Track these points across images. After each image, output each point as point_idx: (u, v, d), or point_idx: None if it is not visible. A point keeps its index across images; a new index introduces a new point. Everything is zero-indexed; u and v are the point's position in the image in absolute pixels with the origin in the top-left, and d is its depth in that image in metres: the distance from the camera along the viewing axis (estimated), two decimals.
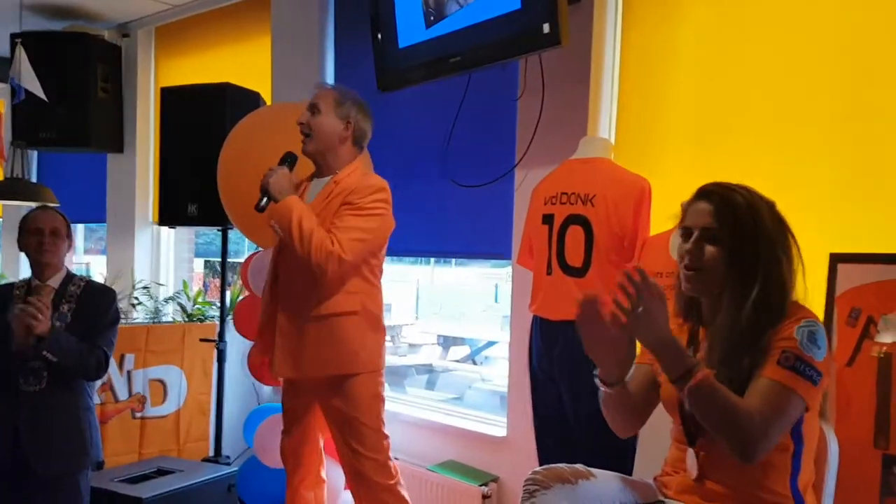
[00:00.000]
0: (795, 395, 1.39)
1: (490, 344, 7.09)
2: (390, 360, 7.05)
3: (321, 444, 2.54)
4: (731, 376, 1.43)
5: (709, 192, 1.53)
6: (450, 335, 7.42)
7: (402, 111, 3.22)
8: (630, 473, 1.97)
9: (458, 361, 7.20)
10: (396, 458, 3.15)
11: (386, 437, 2.37)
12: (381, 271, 2.38)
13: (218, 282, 3.96)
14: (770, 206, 1.53)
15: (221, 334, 3.34)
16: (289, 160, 2.30)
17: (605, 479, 1.54)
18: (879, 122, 2.01)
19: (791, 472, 1.48)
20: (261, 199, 2.21)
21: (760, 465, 1.46)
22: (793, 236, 1.52)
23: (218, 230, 3.34)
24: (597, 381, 1.57)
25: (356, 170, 2.31)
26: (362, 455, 2.31)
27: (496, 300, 8.02)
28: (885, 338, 1.84)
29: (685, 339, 1.61)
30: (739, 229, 1.47)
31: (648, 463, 1.73)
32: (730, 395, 1.39)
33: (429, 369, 6.67)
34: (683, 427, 1.56)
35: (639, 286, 1.36)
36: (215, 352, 3.34)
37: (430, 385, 6.24)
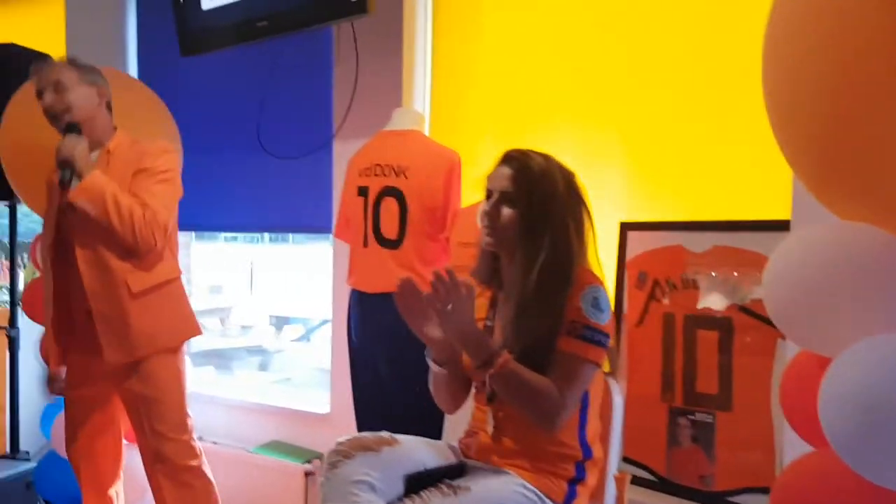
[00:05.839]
0: (587, 361, 1.50)
1: (325, 322, 6.99)
2: (220, 343, 6.77)
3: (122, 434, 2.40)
4: (525, 331, 1.52)
5: (510, 158, 1.60)
6: (283, 315, 7.24)
7: (209, 77, 3.06)
8: (440, 439, 2.02)
9: (293, 341, 7.04)
10: (215, 443, 3.05)
11: (189, 416, 2.30)
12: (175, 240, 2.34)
13: (7, 263, 3.61)
14: (567, 175, 1.61)
15: (13, 320, 3.06)
16: (77, 129, 2.09)
17: (409, 444, 1.57)
18: (664, 108, 2.14)
19: (579, 425, 1.57)
20: (64, 175, 2.02)
21: None
22: (586, 207, 1.62)
23: (5, 205, 3.05)
24: (429, 360, 1.63)
25: (124, 136, 2.21)
26: (164, 437, 2.21)
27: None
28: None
29: (487, 302, 1.68)
30: (532, 193, 1.56)
31: (457, 428, 1.79)
32: (529, 376, 1.48)
33: (261, 351, 6.49)
34: (484, 388, 1.62)
35: (447, 286, 1.44)
36: (6, 339, 3.06)
37: (263, 367, 6.08)
